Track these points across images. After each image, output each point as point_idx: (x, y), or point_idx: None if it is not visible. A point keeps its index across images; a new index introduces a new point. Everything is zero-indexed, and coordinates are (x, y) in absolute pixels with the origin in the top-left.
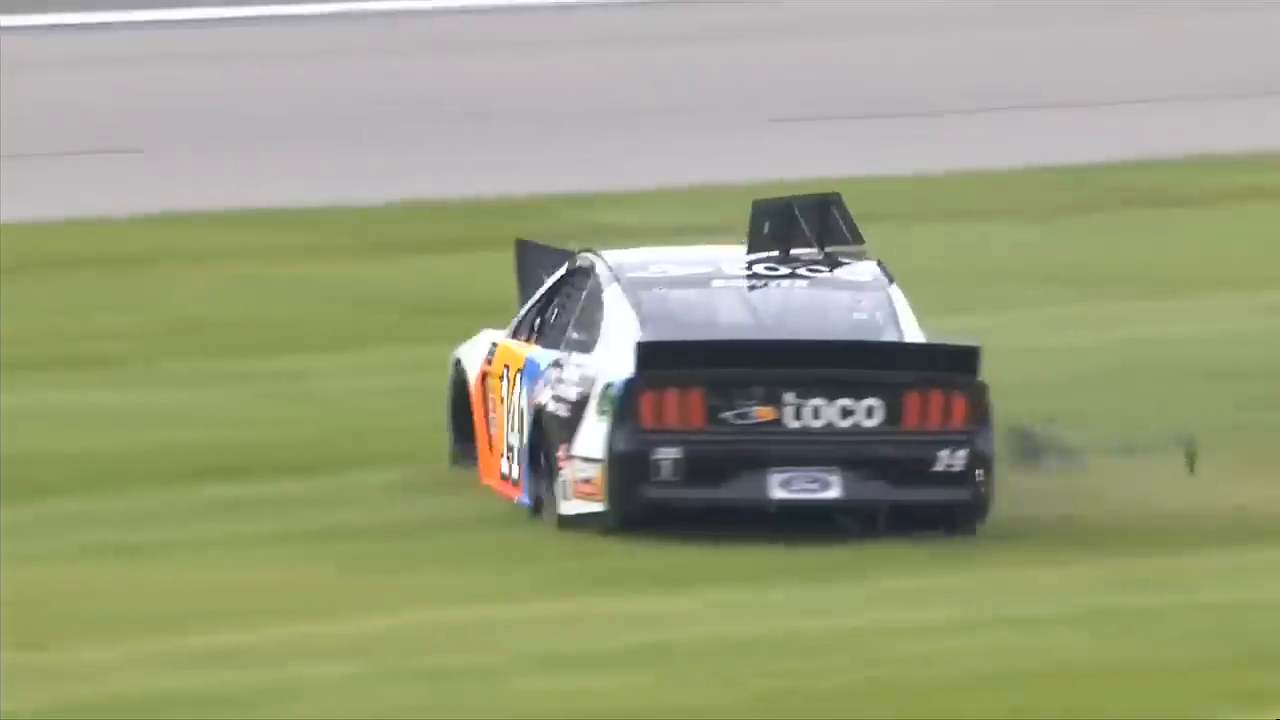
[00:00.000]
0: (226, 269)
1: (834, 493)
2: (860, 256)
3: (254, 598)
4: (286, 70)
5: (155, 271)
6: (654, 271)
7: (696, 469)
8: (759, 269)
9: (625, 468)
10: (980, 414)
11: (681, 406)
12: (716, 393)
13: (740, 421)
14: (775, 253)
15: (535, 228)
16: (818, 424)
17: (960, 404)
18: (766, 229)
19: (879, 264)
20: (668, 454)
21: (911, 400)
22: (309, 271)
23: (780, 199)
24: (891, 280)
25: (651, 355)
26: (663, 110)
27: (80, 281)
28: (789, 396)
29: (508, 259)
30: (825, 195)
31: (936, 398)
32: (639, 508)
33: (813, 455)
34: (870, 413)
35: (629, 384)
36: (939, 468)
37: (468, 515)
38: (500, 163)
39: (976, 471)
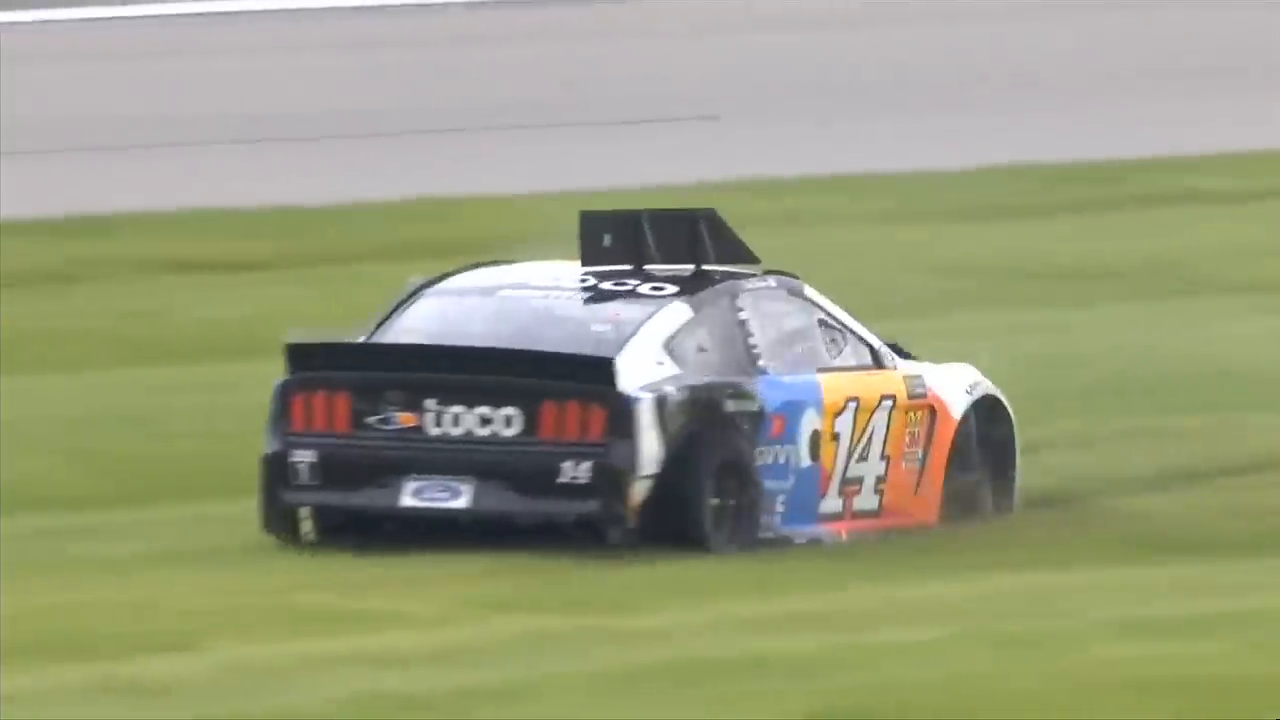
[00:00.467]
0: (804, 235)
1: (462, 502)
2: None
3: (840, 563)
4: (861, 39)
5: None
6: (464, 283)
7: (332, 473)
8: (565, 281)
9: (268, 470)
10: (620, 426)
11: (328, 409)
12: (363, 397)
13: (383, 427)
14: (624, 266)
15: (1116, 191)
16: (457, 431)
17: (597, 415)
18: (607, 242)
19: (735, 281)
20: (304, 457)
21: (549, 410)
22: (888, 237)
23: (624, 211)
24: (698, 298)
25: (300, 357)
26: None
27: None
28: (430, 403)
29: (1089, 224)
30: (694, 210)
31: (573, 408)
32: (278, 511)
33: (446, 463)
34: (509, 422)
35: (281, 386)
36: (564, 479)
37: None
38: (1078, 125)
39: (611, 484)
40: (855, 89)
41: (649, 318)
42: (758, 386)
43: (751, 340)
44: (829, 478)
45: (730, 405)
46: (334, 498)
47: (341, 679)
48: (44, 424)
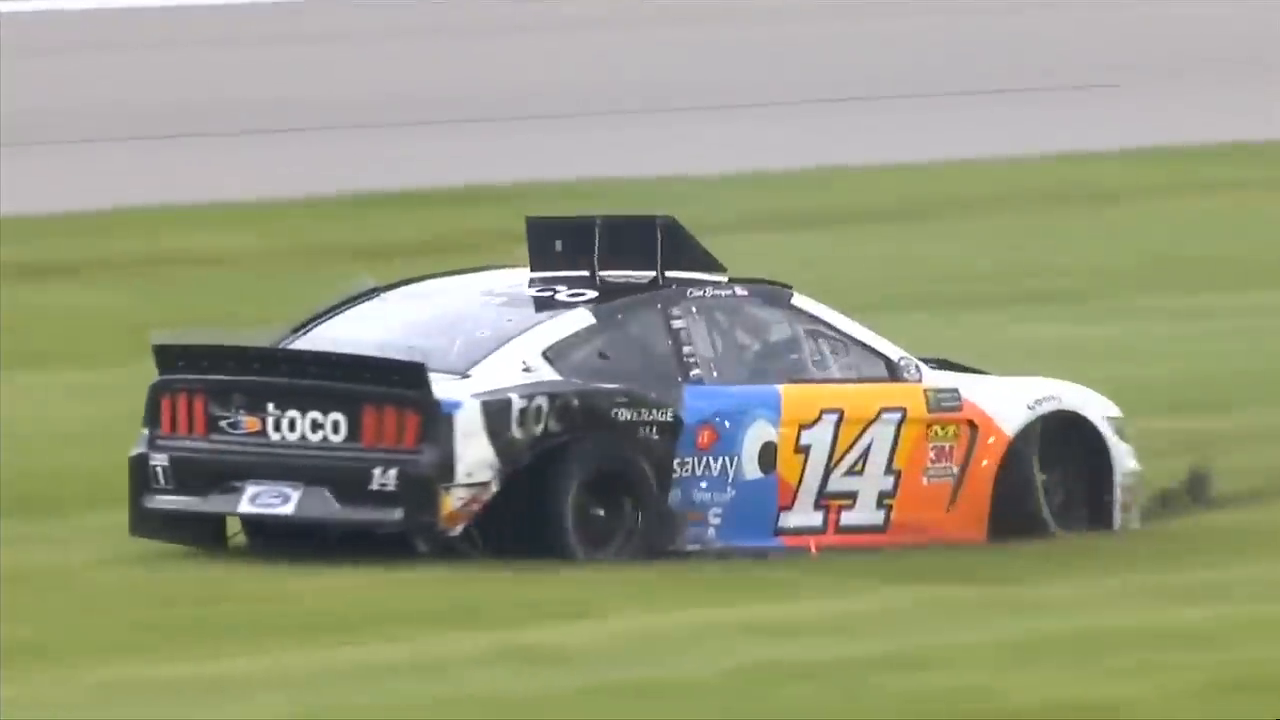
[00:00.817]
0: (1203, 204)
1: (289, 509)
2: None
3: (1237, 535)
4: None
5: (1131, 207)
6: (414, 288)
7: (184, 478)
8: (497, 287)
9: (132, 473)
10: (432, 433)
11: (188, 412)
12: (216, 400)
13: (232, 431)
14: (577, 273)
15: None
16: (294, 436)
17: (412, 421)
18: (559, 248)
19: (677, 290)
20: (159, 461)
21: (369, 415)
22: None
23: (576, 218)
24: (609, 306)
25: (165, 358)
26: None
27: (1058, 217)
28: (270, 407)
29: None
30: (652, 217)
31: (390, 414)
32: (140, 514)
33: (279, 469)
34: (336, 427)
35: (151, 388)
36: (374, 486)
37: None
38: None
39: (419, 491)
40: (1255, 57)
41: (535, 324)
42: (677, 396)
43: (686, 349)
44: (793, 491)
45: (622, 414)
46: (186, 502)
47: (736, 648)
48: None
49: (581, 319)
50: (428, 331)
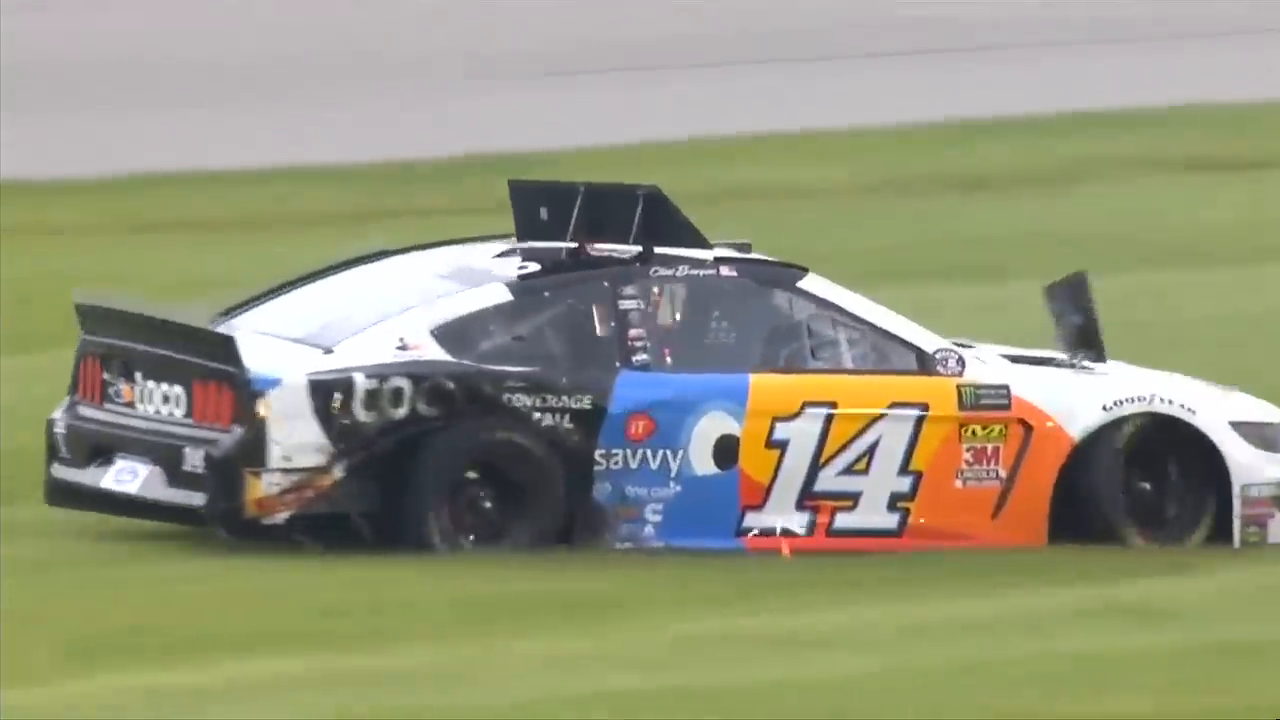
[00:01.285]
0: None
1: (135, 487)
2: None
3: None
4: None
5: None
6: (415, 254)
7: (74, 449)
8: (466, 259)
9: (46, 440)
10: (242, 412)
11: (92, 378)
12: (107, 367)
13: (116, 400)
14: (562, 243)
15: None
16: (151, 409)
17: (228, 399)
18: (545, 215)
19: (639, 267)
20: (59, 430)
21: (198, 391)
22: None
23: (558, 184)
24: (535, 284)
25: (83, 318)
26: None
27: None
28: (139, 376)
29: None
30: (635, 187)
31: (213, 390)
32: (48, 484)
33: (133, 443)
34: (179, 401)
35: (77, 349)
36: (187, 467)
37: None
38: None
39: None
40: None
41: (434, 300)
42: (605, 382)
43: (633, 332)
44: (764, 489)
45: (517, 399)
46: (76, 475)
47: None
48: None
49: (492, 296)
50: (354, 302)
